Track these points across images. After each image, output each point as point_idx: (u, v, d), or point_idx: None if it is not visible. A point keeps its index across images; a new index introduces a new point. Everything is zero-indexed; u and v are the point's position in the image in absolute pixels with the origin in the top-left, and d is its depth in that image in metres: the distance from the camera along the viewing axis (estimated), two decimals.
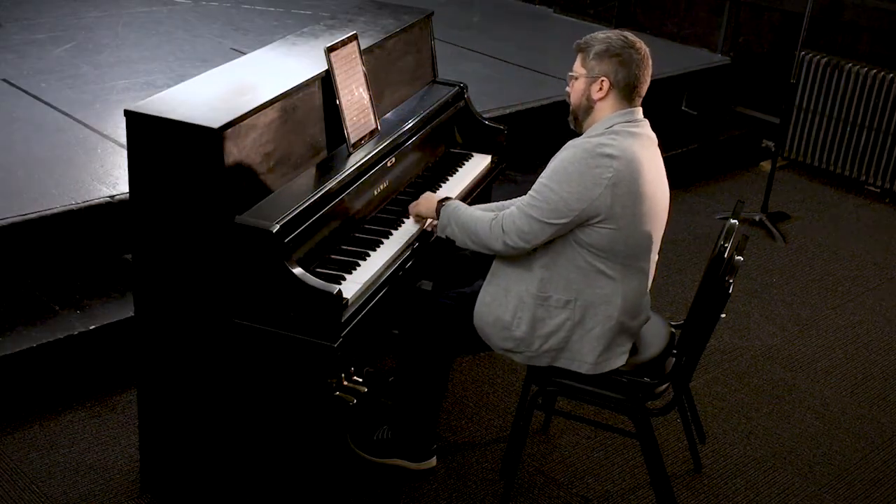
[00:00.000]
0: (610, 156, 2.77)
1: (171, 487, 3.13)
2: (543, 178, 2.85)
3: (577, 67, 2.92)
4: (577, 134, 2.95)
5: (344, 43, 3.19)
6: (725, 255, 2.92)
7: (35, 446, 3.29)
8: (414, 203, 3.21)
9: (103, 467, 3.24)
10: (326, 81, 3.12)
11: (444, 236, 3.06)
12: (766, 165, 6.07)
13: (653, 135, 2.94)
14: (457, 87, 3.88)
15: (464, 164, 3.72)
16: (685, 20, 6.59)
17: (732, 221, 3.09)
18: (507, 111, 5.07)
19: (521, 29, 6.69)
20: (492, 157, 3.82)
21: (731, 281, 2.80)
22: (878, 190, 5.89)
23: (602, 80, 2.85)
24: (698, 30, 6.53)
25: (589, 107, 2.90)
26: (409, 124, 3.48)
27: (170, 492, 3.13)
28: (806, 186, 5.99)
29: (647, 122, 2.93)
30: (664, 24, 6.68)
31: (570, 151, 2.84)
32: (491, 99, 5.12)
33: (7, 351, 3.36)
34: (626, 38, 2.87)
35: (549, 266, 2.88)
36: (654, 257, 2.99)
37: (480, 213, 2.99)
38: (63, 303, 3.64)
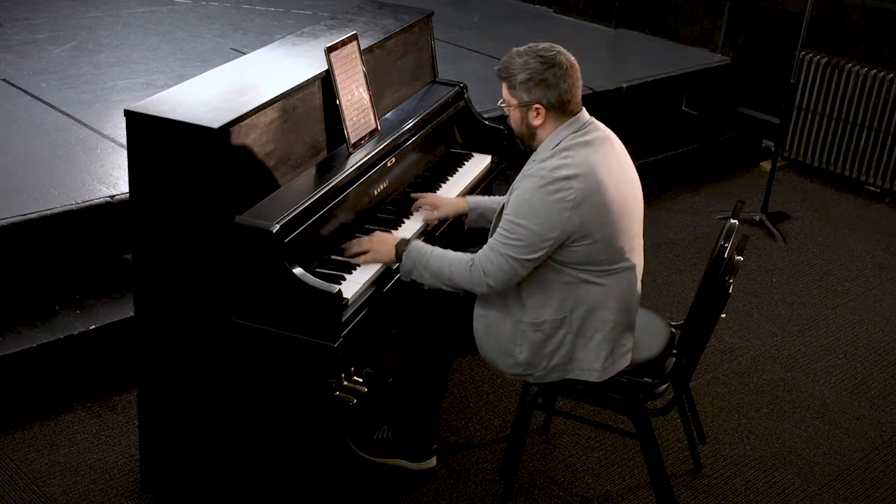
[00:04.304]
0: (567, 177, 2.74)
1: (171, 487, 3.13)
2: (508, 213, 2.81)
3: (507, 97, 2.89)
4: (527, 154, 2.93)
5: (344, 43, 3.19)
6: (725, 255, 2.92)
7: (35, 446, 3.29)
8: (362, 246, 2.98)
9: (103, 467, 3.24)
10: (326, 81, 3.12)
11: (408, 280, 2.98)
12: (766, 165, 6.07)
13: (605, 133, 2.89)
14: (457, 87, 3.88)
15: (464, 164, 3.73)
16: (685, 20, 6.58)
17: (732, 221, 3.09)
18: None
19: (521, 29, 6.69)
20: (492, 157, 3.82)
21: (731, 281, 2.80)
22: (878, 190, 5.89)
23: (537, 108, 2.82)
24: (698, 30, 6.53)
25: (532, 133, 2.88)
26: (409, 124, 3.48)
27: (170, 492, 3.13)
28: (806, 186, 5.99)
29: (594, 121, 2.89)
30: (664, 24, 6.68)
31: (527, 182, 2.80)
32: (491, 99, 5.08)
33: (7, 351, 3.36)
34: (542, 57, 2.80)
35: (536, 291, 2.86)
36: (639, 247, 2.96)
37: (453, 257, 2.90)
38: (63, 303, 3.64)
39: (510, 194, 2.85)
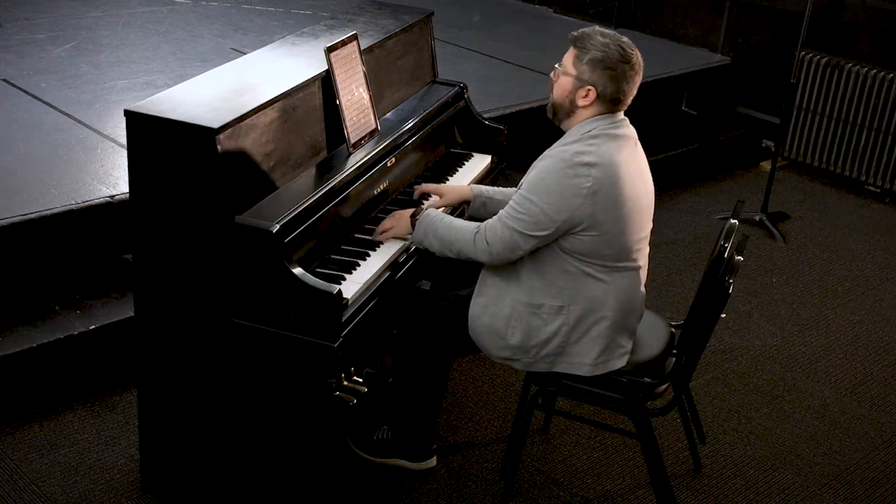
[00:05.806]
0: (588, 164, 2.75)
1: (171, 487, 3.13)
2: (524, 189, 2.83)
3: (568, 64, 2.86)
4: (555, 127, 2.94)
5: (344, 43, 3.19)
6: (725, 255, 2.92)
7: (35, 446, 3.29)
8: (384, 227, 3.08)
9: (103, 467, 3.24)
10: (326, 81, 3.12)
11: (421, 247, 3.05)
12: (766, 165, 6.07)
13: (633, 132, 2.91)
14: (457, 87, 3.88)
15: (464, 164, 3.73)
16: (685, 20, 6.59)
17: (732, 221, 3.09)
18: (507, 111, 5.07)
19: (521, 29, 6.69)
20: (492, 157, 3.82)
21: (731, 281, 2.80)
22: (878, 190, 5.89)
23: (589, 89, 2.81)
24: (698, 30, 6.53)
25: (571, 110, 2.87)
26: (409, 124, 3.48)
27: (170, 492, 3.13)
28: (806, 186, 5.99)
29: (626, 120, 2.90)
30: (664, 24, 6.68)
31: (548, 161, 2.82)
32: (491, 99, 5.12)
33: (7, 351, 3.36)
34: (623, 49, 2.80)
35: (538, 274, 2.87)
36: (645, 250, 2.97)
37: (461, 225, 2.96)
38: (63, 303, 3.64)
39: (529, 171, 2.87)
